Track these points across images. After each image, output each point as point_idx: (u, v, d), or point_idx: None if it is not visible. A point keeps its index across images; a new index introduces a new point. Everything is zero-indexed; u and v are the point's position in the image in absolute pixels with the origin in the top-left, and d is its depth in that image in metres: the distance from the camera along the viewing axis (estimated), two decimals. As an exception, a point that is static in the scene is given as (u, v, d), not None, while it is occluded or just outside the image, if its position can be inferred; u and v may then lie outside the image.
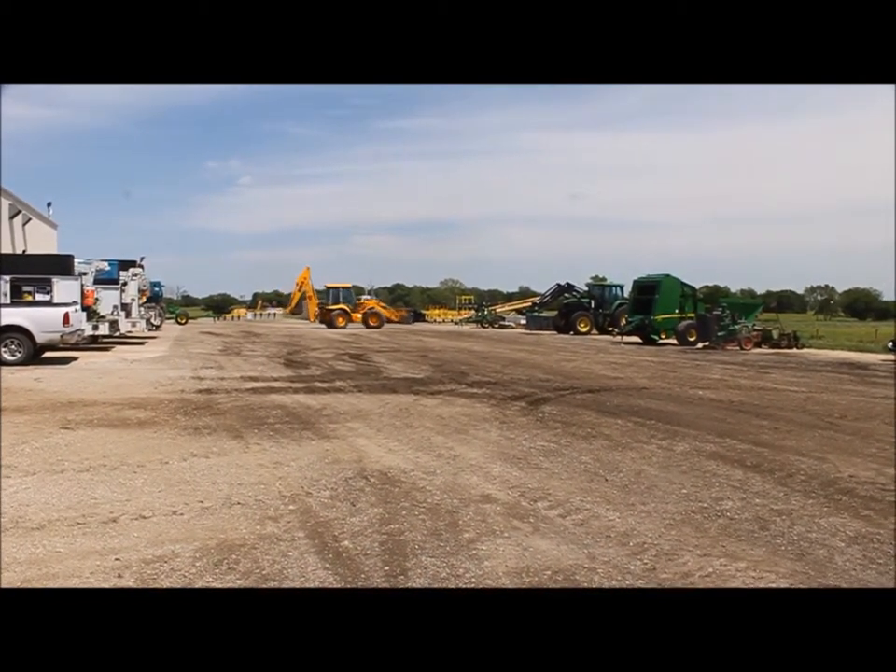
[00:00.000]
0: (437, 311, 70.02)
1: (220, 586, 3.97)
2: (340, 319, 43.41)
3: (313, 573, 4.16)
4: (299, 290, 53.29)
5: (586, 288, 40.35)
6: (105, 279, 23.19)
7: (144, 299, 28.85)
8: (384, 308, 47.91)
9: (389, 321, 46.04)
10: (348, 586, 3.98)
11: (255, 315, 71.30)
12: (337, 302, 44.67)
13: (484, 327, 48.12)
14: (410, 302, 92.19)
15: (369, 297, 51.31)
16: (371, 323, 42.85)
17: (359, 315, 43.81)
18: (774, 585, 4.12)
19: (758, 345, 26.30)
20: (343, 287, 46.33)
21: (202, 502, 5.57)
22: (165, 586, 3.96)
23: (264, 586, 3.97)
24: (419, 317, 59.39)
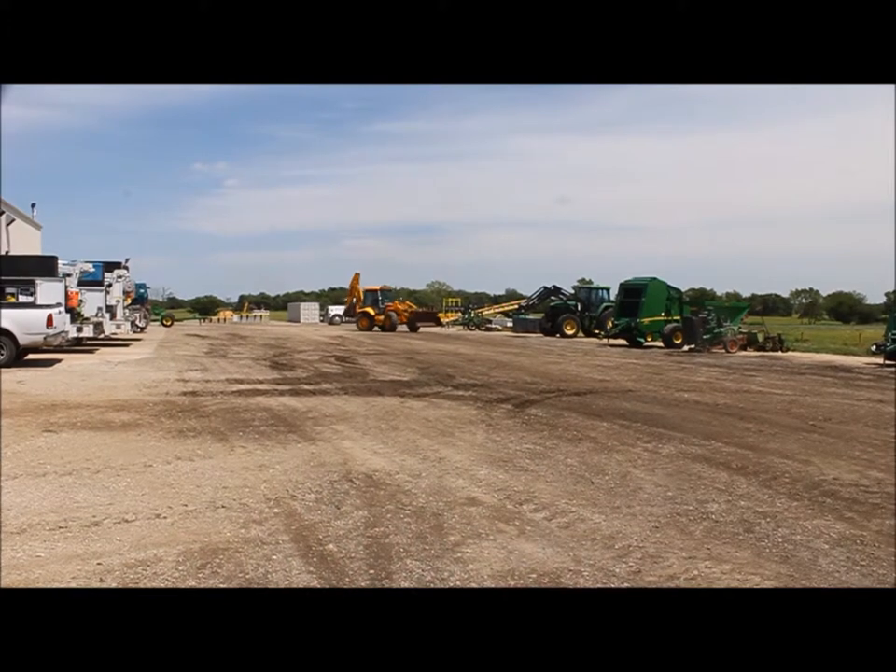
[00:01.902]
0: (423, 313, 69.70)
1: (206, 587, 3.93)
2: (362, 322, 44.23)
3: (297, 577, 4.13)
4: (351, 295, 52.93)
5: (573, 291, 40.45)
6: (90, 280, 23.05)
7: (129, 300, 28.74)
8: (411, 309, 46.75)
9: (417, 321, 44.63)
10: (333, 586, 3.96)
11: (241, 317, 70.99)
12: (368, 305, 45.03)
13: (471, 329, 48.12)
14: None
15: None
16: (386, 325, 42.73)
17: (382, 318, 43.53)
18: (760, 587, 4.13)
19: (743, 348, 26.48)
20: (371, 290, 46.33)
21: (185, 505, 5.53)
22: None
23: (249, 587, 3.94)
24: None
